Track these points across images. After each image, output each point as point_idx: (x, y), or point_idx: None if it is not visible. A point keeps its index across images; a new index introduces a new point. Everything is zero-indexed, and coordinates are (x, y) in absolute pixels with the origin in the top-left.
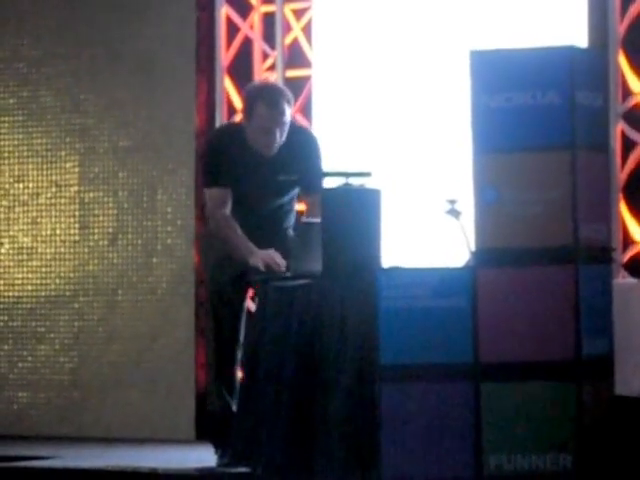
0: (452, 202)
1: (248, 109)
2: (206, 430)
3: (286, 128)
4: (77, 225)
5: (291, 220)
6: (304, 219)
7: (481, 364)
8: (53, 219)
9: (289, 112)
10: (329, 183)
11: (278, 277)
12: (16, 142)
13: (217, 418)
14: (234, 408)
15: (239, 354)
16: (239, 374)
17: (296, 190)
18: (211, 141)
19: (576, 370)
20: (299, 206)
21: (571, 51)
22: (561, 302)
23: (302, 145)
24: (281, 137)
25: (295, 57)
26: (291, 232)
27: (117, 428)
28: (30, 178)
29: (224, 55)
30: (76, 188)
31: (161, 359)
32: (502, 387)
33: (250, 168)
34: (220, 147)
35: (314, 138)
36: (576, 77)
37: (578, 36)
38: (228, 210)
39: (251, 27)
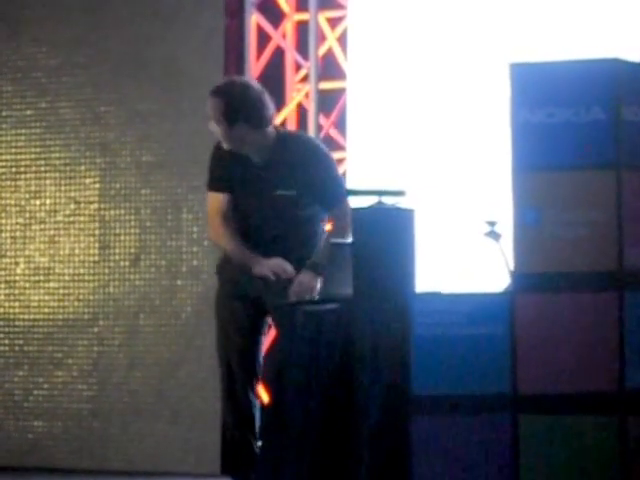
0: (492, 224)
1: None
2: (227, 465)
3: (222, 122)
4: (97, 244)
5: (314, 238)
6: (333, 240)
7: (519, 395)
8: (72, 238)
9: (217, 104)
10: (360, 202)
11: (306, 301)
12: (33, 156)
13: (238, 452)
14: (253, 442)
15: (256, 386)
16: (258, 404)
17: (312, 210)
18: (215, 146)
19: (620, 402)
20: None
21: (616, 64)
22: (604, 330)
23: (299, 155)
24: (224, 132)
25: (329, 68)
26: (311, 253)
27: (138, 460)
28: (48, 194)
29: (254, 65)
30: (96, 205)
31: (185, 387)
32: (541, 420)
33: (246, 181)
34: (218, 153)
35: (313, 145)
36: (622, 91)
37: (632, 49)
38: (223, 216)
39: (283, 36)
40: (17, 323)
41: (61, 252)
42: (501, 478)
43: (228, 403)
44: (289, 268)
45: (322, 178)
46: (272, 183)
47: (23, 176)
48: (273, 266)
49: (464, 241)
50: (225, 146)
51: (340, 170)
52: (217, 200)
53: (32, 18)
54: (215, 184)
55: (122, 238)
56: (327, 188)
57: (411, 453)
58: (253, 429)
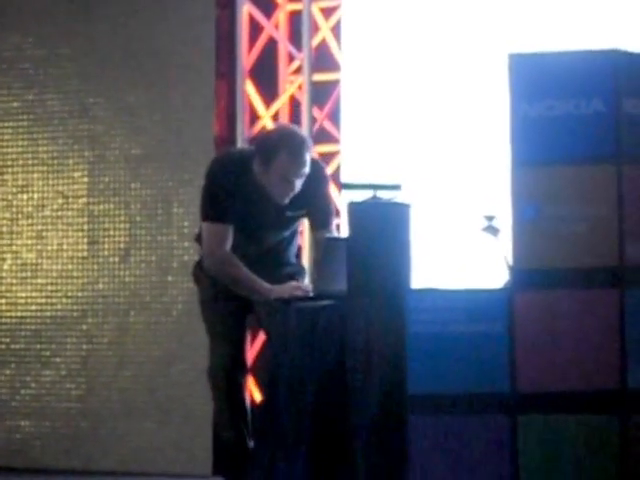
0: (490, 218)
1: (267, 156)
2: (221, 464)
3: (304, 178)
4: (86, 240)
5: (294, 249)
6: (329, 235)
7: (518, 394)
8: (60, 233)
9: (309, 162)
10: (355, 196)
11: (300, 298)
12: (20, 149)
13: (232, 451)
14: (248, 439)
15: (246, 383)
16: (248, 400)
17: (300, 220)
18: (215, 172)
19: (621, 402)
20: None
21: (617, 55)
22: (605, 328)
23: (311, 179)
24: (299, 187)
25: (323, 59)
26: (293, 259)
27: (128, 460)
28: (35, 188)
29: (246, 57)
30: (85, 199)
31: (176, 386)
32: (541, 419)
33: (256, 204)
34: (225, 180)
35: (322, 169)
36: (623, 83)
37: (632, 40)
38: (228, 248)
39: (276, 27)
40: (4, 320)
41: (49, 248)
42: (500, 478)
43: (222, 401)
44: (307, 287)
45: (326, 201)
46: (284, 207)
47: (10, 170)
48: (290, 290)
49: (461, 236)
50: (285, 200)
51: (334, 164)
52: (222, 231)
53: (18, 8)
54: (220, 215)
55: (111, 233)
56: (329, 210)
57: (408, 453)
58: (247, 426)
